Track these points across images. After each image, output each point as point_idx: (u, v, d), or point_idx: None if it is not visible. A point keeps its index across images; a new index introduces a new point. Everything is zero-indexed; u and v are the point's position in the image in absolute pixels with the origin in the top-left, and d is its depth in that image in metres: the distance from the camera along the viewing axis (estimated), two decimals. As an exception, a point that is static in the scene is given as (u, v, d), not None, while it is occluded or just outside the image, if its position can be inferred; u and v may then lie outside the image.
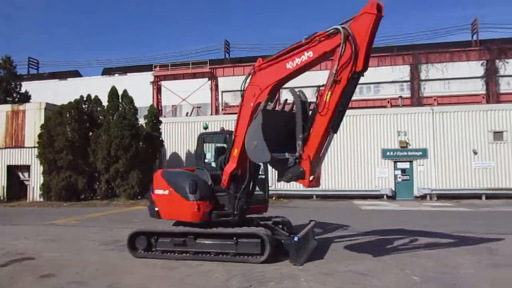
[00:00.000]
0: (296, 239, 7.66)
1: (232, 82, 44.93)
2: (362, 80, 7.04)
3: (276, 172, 7.27)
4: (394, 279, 6.67)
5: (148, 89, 42.46)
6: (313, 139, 6.96)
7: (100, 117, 25.73)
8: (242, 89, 7.94)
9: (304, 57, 7.12)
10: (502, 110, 24.31)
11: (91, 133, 25.14)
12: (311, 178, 6.88)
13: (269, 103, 7.45)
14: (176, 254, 8.21)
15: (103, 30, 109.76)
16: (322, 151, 7.05)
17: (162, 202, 8.48)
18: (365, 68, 6.70)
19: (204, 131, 9.58)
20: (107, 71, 50.72)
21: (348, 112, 7.52)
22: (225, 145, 9.37)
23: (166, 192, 8.42)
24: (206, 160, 9.25)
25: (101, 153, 24.02)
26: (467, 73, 39.22)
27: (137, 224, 11.55)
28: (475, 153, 23.77)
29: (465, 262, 7.71)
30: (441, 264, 7.63)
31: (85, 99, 26.12)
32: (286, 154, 6.91)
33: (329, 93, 6.79)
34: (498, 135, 23.71)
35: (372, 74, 7.77)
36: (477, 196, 23.06)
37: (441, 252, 8.63)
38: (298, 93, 7.35)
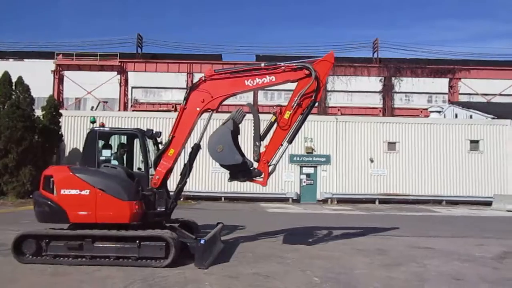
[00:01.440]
0: (202, 242, 7.51)
1: (143, 78, 43.36)
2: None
3: (228, 173, 8.56)
4: (296, 281, 6.85)
5: (48, 78, 39.09)
6: (271, 146, 8.51)
7: (-12, 105, 22.95)
8: (186, 93, 8.56)
9: (266, 79, 8.51)
10: (396, 123, 26.76)
11: (-25, 123, 22.30)
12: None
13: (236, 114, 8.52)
14: (70, 259, 7.53)
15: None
16: (276, 157, 8.51)
17: (75, 204, 7.63)
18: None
19: (91, 125, 8.82)
20: (0, 55, 45.66)
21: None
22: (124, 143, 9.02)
23: (85, 192, 7.61)
24: (102, 158, 8.57)
25: (-13, 145, 21.44)
26: (367, 87, 42.70)
27: (26, 225, 10.41)
28: (372, 161, 25.79)
29: (360, 263, 8.24)
30: (338, 265, 8.04)
31: (-30, 83, 23.10)
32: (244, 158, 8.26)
33: (289, 112, 8.46)
34: (391, 146, 26.02)
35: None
36: (372, 201, 25.03)
37: (338, 253, 9.12)
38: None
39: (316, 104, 34.64)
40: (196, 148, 8.62)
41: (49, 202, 7.73)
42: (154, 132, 8.90)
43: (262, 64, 8.63)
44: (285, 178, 25.33)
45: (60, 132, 24.53)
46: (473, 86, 40.81)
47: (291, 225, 13.74)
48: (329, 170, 25.80)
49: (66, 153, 25.35)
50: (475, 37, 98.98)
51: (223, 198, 24.89)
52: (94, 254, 7.51)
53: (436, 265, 8.17)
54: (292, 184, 25.57)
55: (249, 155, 8.59)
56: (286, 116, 8.49)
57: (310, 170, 25.91)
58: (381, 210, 21.51)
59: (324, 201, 25.29)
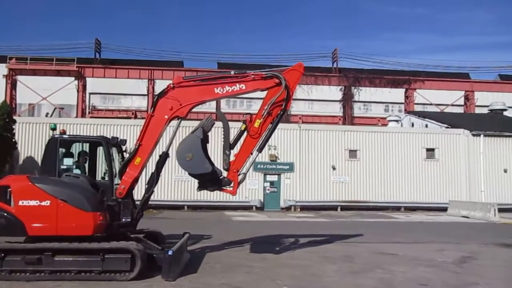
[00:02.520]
0: (170, 253, 7.29)
1: (102, 84, 42.16)
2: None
3: (196, 183, 8.47)
4: (267, 291, 6.80)
5: (1, 83, 37.15)
6: (241, 155, 8.45)
7: None
8: (154, 100, 8.37)
9: (236, 87, 8.44)
10: (356, 132, 27.43)
11: None
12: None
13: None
14: (28, 274, 7.08)
15: None
16: (246, 166, 8.43)
17: (34, 215, 7.19)
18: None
19: (51, 132, 8.44)
20: None
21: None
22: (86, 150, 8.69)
23: (45, 203, 7.20)
24: (63, 167, 8.19)
25: None
26: (328, 96, 43.74)
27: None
28: (334, 168, 26.25)
29: (328, 271, 8.31)
30: (307, 273, 8.07)
31: None
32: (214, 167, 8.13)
33: (259, 121, 8.45)
34: (352, 153, 26.61)
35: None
36: (334, 208, 25.43)
37: (306, 261, 9.17)
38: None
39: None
40: (164, 157, 8.44)
41: (5, 214, 7.25)
42: (119, 139, 8.62)
43: (232, 72, 8.59)
44: (249, 186, 25.25)
45: (13, 140, 23.29)
46: (427, 96, 42.70)
47: (257, 234, 13.68)
48: (292, 177, 26.01)
49: (20, 161, 24.07)
50: (420, 50, 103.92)
51: (186, 207, 24.44)
52: (54, 268, 7.11)
53: (402, 271, 8.38)
54: (256, 191, 25.54)
55: (218, 164, 8.48)
56: (256, 124, 8.47)
57: (274, 178, 25.99)
58: (343, 217, 21.89)
59: (288, 208, 25.42)
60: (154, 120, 8.25)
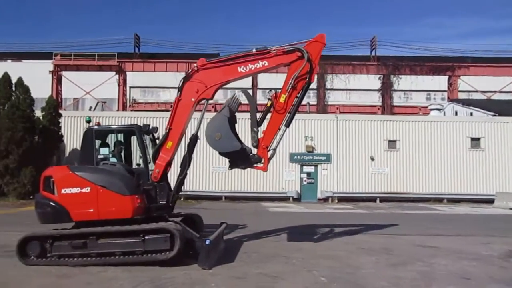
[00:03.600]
0: (207, 242, 7.43)
1: (141, 78, 43.21)
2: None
3: (227, 160, 8.46)
4: (303, 281, 6.80)
5: (47, 79, 38.88)
6: (269, 132, 8.40)
7: (-12, 106, 22.82)
8: (180, 85, 8.41)
9: (259, 64, 8.40)
10: (396, 121, 26.72)
11: (-25, 124, 22.17)
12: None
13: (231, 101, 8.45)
14: (75, 259, 7.44)
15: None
16: (275, 142, 8.40)
17: (77, 202, 7.58)
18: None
19: (87, 125, 8.78)
20: (-2, 56, 45.46)
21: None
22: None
23: (86, 189, 7.57)
24: (100, 156, 8.52)
25: (-13, 147, 21.32)
26: (366, 85, 42.62)
27: (29, 226, 10.30)
28: (372, 159, 25.75)
29: (366, 262, 8.18)
30: (344, 264, 7.99)
31: (-31, 84, 22.95)
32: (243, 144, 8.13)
33: (284, 96, 8.35)
34: (392, 144, 25.98)
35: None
36: (372, 199, 25.00)
37: (343, 252, 9.06)
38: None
39: (316, 102, 34.53)
40: (194, 139, 8.57)
41: (50, 203, 7.69)
42: (150, 127, 8.88)
43: (254, 50, 8.50)
44: (285, 177, 25.27)
45: (60, 133, 24.42)
46: (473, 83, 40.77)
47: (294, 224, 13.69)
48: (330, 168, 25.75)
49: (66, 154, 25.23)
50: (466, 35, 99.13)
51: (223, 198, 24.82)
52: (99, 251, 7.44)
53: (443, 264, 8.12)
54: (293, 183, 25.50)
55: (247, 142, 8.47)
56: (282, 99, 8.40)
57: (311, 169, 25.84)
58: (382, 209, 21.48)
59: (325, 199, 25.25)
60: (181, 103, 8.37)
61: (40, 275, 6.94)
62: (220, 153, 8.39)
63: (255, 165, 8.41)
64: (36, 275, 6.92)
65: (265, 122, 8.74)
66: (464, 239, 11.40)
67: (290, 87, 8.38)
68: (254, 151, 8.43)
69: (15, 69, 27.82)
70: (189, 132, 8.68)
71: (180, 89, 8.41)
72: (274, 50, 8.43)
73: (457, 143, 25.92)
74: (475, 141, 25.97)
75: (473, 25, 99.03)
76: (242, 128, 9.21)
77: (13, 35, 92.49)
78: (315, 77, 8.24)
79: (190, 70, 8.54)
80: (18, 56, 43.74)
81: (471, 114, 29.68)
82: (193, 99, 8.33)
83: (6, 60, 42.79)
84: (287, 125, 8.50)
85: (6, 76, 22.75)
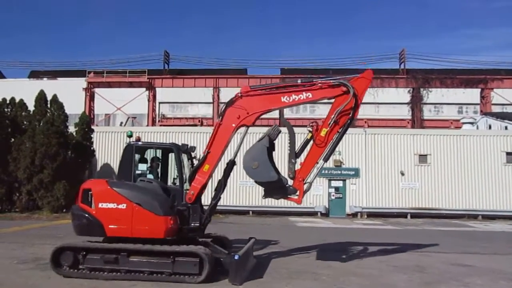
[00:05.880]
0: (236, 257, 7.42)
1: (170, 94, 44.15)
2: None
3: (262, 189, 8.44)
4: (333, 299, 6.66)
5: (80, 95, 40.29)
6: (307, 164, 8.36)
7: (25, 122, 23.75)
8: (222, 109, 8.50)
9: (303, 96, 8.36)
10: (427, 135, 26.08)
11: (12, 140, 23.10)
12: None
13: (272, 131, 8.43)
14: (105, 273, 7.57)
15: (30, 28, 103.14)
16: (312, 175, 8.33)
17: (112, 217, 7.71)
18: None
19: (128, 140, 8.97)
20: (35, 74, 47.53)
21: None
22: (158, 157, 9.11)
23: (122, 206, 7.70)
24: (138, 172, 8.69)
25: (23, 161, 22.09)
26: (395, 98, 41.98)
27: (62, 239, 10.62)
28: (402, 174, 25.17)
29: (399, 280, 7.96)
30: (376, 282, 7.79)
31: (8, 102, 24.02)
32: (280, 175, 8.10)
33: (326, 130, 8.29)
34: (422, 158, 25.34)
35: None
36: (403, 215, 24.33)
37: (374, 270, 8.84)
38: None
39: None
40: (231, 164, 8.59)
41: (87, 215, 7.82)
42: (189, 146, 8.98)
43: (299, 81, 8.57)
44: (313, 192, 24.92)
45: (92, 148, 25.11)
46: (507, 96, 39.53)
47: (323, 240, 13.48)
48: (358, 183, 25.32)
49: (98, 168, 25.88)
50: (500, 46, 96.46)
51: (251, 212, 24.73)
52: (129, 268, 7.54)
53: (479, 283, 7.81)
54: (321, 197, 25.18)
55: (284, 172, 8.44)
56: (323, 133, 8.33)
57: (339, 184, 25.48)
58: (413, 225, 20.88)
59: (354, 215, 24.77)
60: (222, 128, 8.38)
61: (72, 287, 7.07)
62: (256, 182, 8.37)
63: (289, 196, 8.36)
64: (69, 287, 7.05)
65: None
66: (501, 258, 10.93)
67: (332, 122, 8.31)
68: (290, 182, 8.37)
69: (50, 87, 29.01)
70: (227, 157, 8.68)
71: (222, 114, 8.45)
72: (319, 83, 8.41)
73: (491, 158, 25.03)
74: (511, 156, 25.01)
75: (500, 36, 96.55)
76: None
77: (49, 55, 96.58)
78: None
79: (233, 96, 8.55)
80: (53, 74, 45.59)
81: (506, 127, 28.68)
82: (233, 125, 8.33)
83: (43, 78, 44.70)
84: (326, 160, 8.44)
85: (42, 93, 23.68)
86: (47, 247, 9.31)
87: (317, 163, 8.39)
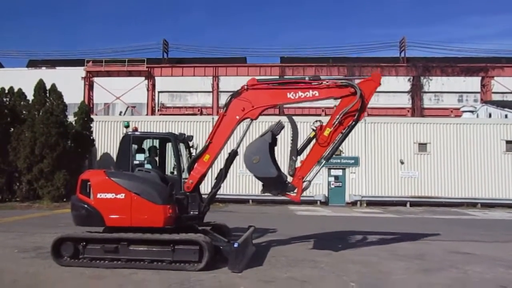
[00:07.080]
0: (236, 245, 7.46)
1: (170, 83, 44.00)
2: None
3: (261, 183, 8.41)
4: (332, 286, 6.73)
5: (79, 85, 40.11)
6: (307, 163, 8.28)
7: (24, 112, 23.69)
8: (227, 100, 8.41)
9: (309, 93, 8.30)
10: (426, 124, 26.08)
11: (12, 129, 23.09)
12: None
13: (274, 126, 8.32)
14: (106, 262, 7.62)
15: (28, 17, 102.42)
16: (312, 174, 8.28)
17: (111, 207, 7.73)
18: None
19: (125, 130, 8.93)
20: (33, 63, 47.33)
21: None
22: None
23: (120, 196, 7.71)
24: (136, 162, 8.68)
25: (23, 151, 22.12)
26: (395, 87, 41.79)
27: (62, 228, 10.66)
28: (402, 162, 25.21)
29: (397, 268, 8.00)
30: (375, 270, 7.84)
31: (6, 91, 23.94)
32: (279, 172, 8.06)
33: (329, 129, 8.21)
34: (422, 147, 25.36)
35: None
36: (402, 204, 24.44)
37: (373, 258, 8.89)
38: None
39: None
40: (233, 155, 8.55)
41: (86, 206, 7.84)
42: (186, 136, 8.96)
43: (307, 78, 8.49)
44: (313, 181, 24.96)
45: (91, 137, 25.11)
46: (507, 84, 39.37)
47: (322, 229, 13.55)
48: (358, 172, 25.38)
49: (98, 157, 25.91)
50: (502, 34, 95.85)
51: (250, 201, 24.84)
52: (129, 257, 7.59)
53: (478, 271, 7.85)
54: (320, 186, 25.25)
55: (284, 167, 8.38)
56: (326, 133, 8.25)
57: (339, 172, 25.55)
58: (413, 213, 20.98)
59: (353, 203, 24.89)
60: (226, 119, 8.32)
61: (73, 276, 7.13)
62: (255, 176, 8.32)
63: (287, 193, 8.32)
64: (70, 276, 7.10)
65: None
66: (500, 246, 11.00)
67: (337, 122, 8.23)
68: (290, 179, 8.32)
69: (49, 76, 28.87)
70: (228, 147, 8.59)
71: (226, 105, 8.38)
72: (327, 81, 8.31)
73: (491, 146, 25.05)
74: (511, 144, 25.02)
75: (501, 24, 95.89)
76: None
77: (47, 44, 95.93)
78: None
79: (240, 88, 8.45)
80: (52, 64, 45.38)
81: (506, 116, 28.62)
82: (237, 117, 8.27)
83: (41, 67, 44.52)
84: (327, 159, 8.39)
85: (41, 83, 23.59)
86: (48, 236, 9.38)
87: (318, 162, 8.35)
